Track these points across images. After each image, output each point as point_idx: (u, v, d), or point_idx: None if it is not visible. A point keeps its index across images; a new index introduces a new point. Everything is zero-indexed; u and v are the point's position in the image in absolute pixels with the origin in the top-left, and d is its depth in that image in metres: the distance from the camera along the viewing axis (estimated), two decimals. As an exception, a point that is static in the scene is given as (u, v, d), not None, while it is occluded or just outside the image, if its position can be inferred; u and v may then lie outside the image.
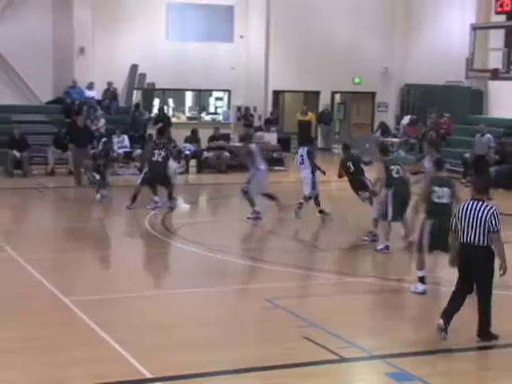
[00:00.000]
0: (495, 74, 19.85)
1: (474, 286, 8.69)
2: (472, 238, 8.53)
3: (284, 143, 25.57)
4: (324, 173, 15.88)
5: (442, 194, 10.16)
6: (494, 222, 8.46)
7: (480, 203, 8.57)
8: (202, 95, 28.13)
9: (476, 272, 8.58)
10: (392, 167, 12.64)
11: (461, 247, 8.67)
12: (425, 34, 27.93)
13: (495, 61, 20.36)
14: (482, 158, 19.65)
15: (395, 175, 12.57)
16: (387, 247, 12.60)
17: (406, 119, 26.55)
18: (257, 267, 12.23)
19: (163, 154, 16.29)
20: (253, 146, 15.80)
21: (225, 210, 16.49)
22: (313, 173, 15.45)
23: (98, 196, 17.00)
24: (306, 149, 15.63)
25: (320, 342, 8.39)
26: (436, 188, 10.20)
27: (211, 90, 28.05)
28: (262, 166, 15.61)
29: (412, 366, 7.87)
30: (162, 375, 7.50)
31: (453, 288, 8.85)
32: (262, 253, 13.43)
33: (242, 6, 27.03)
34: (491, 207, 8.57)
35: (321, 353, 8.17)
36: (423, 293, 10.31)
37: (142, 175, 16.54)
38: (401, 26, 28.54)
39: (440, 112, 25.05)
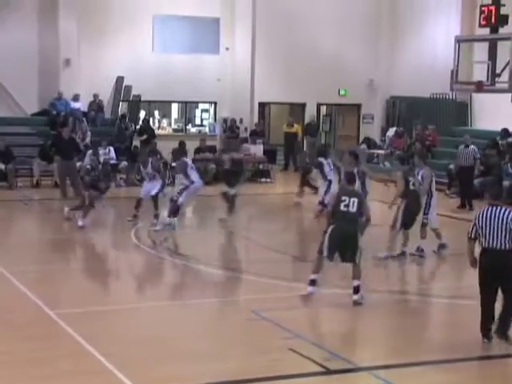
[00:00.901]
0: (479, 87, 19.93)
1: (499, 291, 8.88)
2: (495, 242, 8.72)
3: (270, 155, 25.62)
4: None
5: (349, 203, 10.42)
6: None
7: (498, 208, 8.82)
8: (187, 107, 28.13)
9: (502, 276, 8.76)
10: (410, 179, 13.03)
11: (483, 253, 8.85)
12: (410, 46, 28.09)
13: (479, 73, 20.48)
14: (466, 169, 19.75)
15: (411, 187, 13.03)
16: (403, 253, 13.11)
17: (392, 131, 26.64)
18: (242, 279, 12.22)
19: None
20: (186, 160, 16.07)
21: (211, 222, 16.46)
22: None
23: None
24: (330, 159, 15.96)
25: (305, 354, 8.38)
26: (344, 197, 10.50)
27: (197, 102, 28.07)
28: (196, 180, 15.73)
29: (398, 377, 7.88)
30: (147, 388, 7.49)
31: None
32: (248, 264, 13.42)
33: (227, 18, 27.08)
34: (510, 210, 8.79)
35: (306, 365, 8.16)
36: (310, 295, 10.41)
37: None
38: (386, 39, 28.66)
39: (425, 124, 25.18)
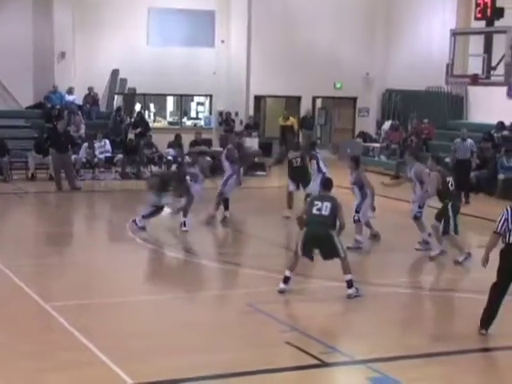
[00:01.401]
0: (475, 80, 19.96)
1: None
2: None
3: (266, 148, 25.58)
4: None
5: (322, 207, 10.51)
6: None
7: None
8: (183, 100, 28.10)
9: None
10: (448, 179, 12.59)
11: (509, 248, 8.83)
12: (406, 39, 28.08)
13: (475, 66, 20.48)
14: (463, 162, 19.72)
15: (451, 188, 12.57)
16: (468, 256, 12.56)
17: (387, 124, 26.65)
18: (238, 272, 12.22)
19: None
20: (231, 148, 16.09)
21: (206, 215, 16.42)
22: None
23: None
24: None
25: (301, 347, 8.38)
26: (317, 202, 10.64)
27: (193, 95, 28.04)
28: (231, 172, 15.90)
29: (394, 370, 7.86)
30: (143, 381, 7.47)
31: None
32: (244, 257, 13.43)
33: (223, 10, 27.05)
34: None
35: (302, 358, 8.16)
36: (282, 291, 10.43)
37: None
38: (382, 32, 28.66)
39: (421, 117, 25.19)
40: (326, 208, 10.52)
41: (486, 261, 8.98)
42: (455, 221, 12.48)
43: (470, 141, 19.75)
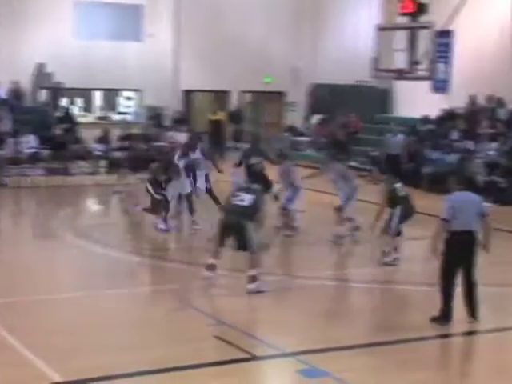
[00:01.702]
0: (400, 74, 20.35)
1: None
2: (469, 225, 9.03)
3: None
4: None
5: (242, 198, 10.61)
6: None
7: (467, 193, 9.21)
8: (111, 95, 27.77)
9: (469, 253, 9.05)
10: (397, 185, 12.39)
11: (456, 235, 9.01)
12: (333, 34, 28.35)
13: (400, 61, 20.85)
14: (393, 157, 20.04)
15: (400, 193, 12.35)
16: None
17: (315, 118, 26.86)
18: (166, 267, 12.17)
19: None
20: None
21: (134, 211, 16.31)
22: None
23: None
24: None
25: (231, 341, 8.41)
26: (240, 192, 10.77)
27: (121, 90, 27.75)
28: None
29: (323, 362, 7.95)
30: (71, 379, 7.38)
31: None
32: (172, 252, 13.40)
33: (151, 4, 26.83)
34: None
35: (232, 351, 8.19)
36: (208, 278, 10.51)
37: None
38: (310, 26, 28.85)
39: (348, 111, 25.48)
40: (247, 199, 10.55)
41: (435, 250, 9.07)
42: (399, 223, 12.25)
43: (400, 136, 20.15)
